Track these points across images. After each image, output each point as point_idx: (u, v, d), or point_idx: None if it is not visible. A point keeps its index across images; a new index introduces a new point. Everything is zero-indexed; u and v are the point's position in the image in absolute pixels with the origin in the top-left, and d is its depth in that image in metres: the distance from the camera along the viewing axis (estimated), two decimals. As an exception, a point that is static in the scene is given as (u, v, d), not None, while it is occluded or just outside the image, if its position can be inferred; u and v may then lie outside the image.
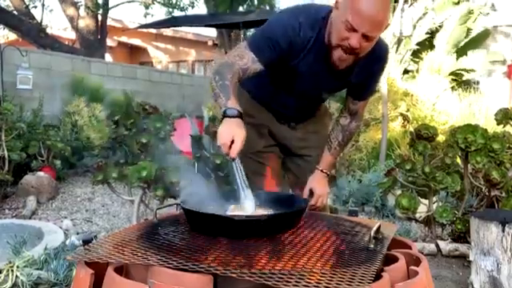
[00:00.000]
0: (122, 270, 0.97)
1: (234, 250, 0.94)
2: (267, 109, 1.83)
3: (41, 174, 4.00)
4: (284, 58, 1.54)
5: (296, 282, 0.79)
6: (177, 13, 10.17)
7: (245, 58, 1.51)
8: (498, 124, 3.04)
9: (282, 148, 1.92)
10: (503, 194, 2.65)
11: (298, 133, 1.88)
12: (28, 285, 1.85)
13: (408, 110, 6.42)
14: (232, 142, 1.26)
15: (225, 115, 1.34)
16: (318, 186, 1.79)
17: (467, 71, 7.27)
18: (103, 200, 4.04)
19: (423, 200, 2.87)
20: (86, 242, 2.09)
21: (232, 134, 1.27)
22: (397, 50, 6.91)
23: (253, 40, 1.56)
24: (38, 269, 1.96)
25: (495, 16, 7.66)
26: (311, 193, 1.78)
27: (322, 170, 1.81)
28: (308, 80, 1.64)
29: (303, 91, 1.71)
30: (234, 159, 1.25)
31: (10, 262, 1.91)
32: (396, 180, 2.93)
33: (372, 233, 1.02)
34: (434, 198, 2.90)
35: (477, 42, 7.53)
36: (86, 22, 9.12)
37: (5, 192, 3.89)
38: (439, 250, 2.75)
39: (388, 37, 6.24)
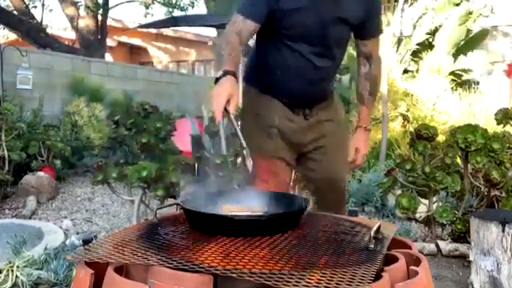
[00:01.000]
0: (121, 270, 0.97)
1: (234, 249, 0.94)
2: (279, 99, 1.75)
3: (41, 173, 4.00)
4: (275, 5, 1.57)
5: (296, 281, 0.79)
6: (177, 13, 10.16)
7: (236, 22, 1.57)
8: (498, 124, 3.04)
9: (293, 151, 1.80)
10: (503, 194, 2.66)
11: (312, 123, 1.78)
12: (28, 285, 1.85)
13: (408, 110, 6.42)
14: (228, 101, 1.33)
15: (217, 79, 1.41)
16: (363, 144, 1.79)
17: (466, 71, 7.27)
18: (103, 200, 4.04)
19: (423, 200, 2.87)
20: (85, 242, 2.09)
21: (226, 93, 1.34)
22: (397, 50, 6.91)
23: (241, 3, 1.63)
24: (38, 269, 1.96)
25: (494, 16, 7.66)
26: (356, 151, 1.78)
27: (363, 127, 1.80)
28: (311, 31, 1.62)
29: (310, 52, 1.66)
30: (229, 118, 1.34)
31: (10, 262, 1.91)
32: (396, 180, 2.93)
33: (372, 233, 1.02)
34: (434, 198, 2.90)
35: (476, 41, 7.52)
36: (85, 22, 9.12)
37: (5, 192, 3.89)
38: (439, 250, 2.75)
39: (388, 37, 6.24)
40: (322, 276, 0.82)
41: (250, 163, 1.30)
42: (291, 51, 1.66)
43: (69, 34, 10.83)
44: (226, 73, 1.41)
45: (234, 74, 1.42)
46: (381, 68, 1.87)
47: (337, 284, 0.80)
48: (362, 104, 1.82)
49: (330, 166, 1.79)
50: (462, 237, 2.78)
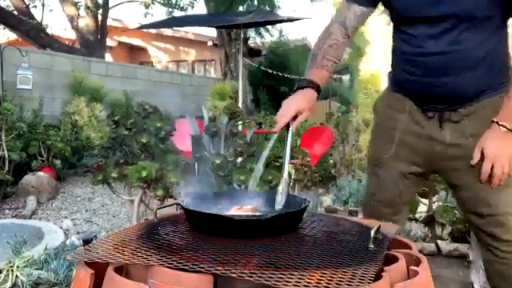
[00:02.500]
0: (121, 270, 0.97)
1: (234, 249, 0.94)
2: (409, 97, 1.44)
3: (41, 174, 4.00)
4: None
5: (296, 282, 0.79)
6: (177, 13, 10.17)
7: (340, 10, 1.41)
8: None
9: (418, 164, 1.48)
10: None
11: (449, 135, 1.39)
12: (28, 285, 1.84)
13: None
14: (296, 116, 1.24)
15: (297, 88, 1.32)
16: (490, 144, 1.31)
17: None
18: (103, 200, 4.05)
19: (423, 200, 2.87)
20: (86, 242, 2.09)
21: (295, 107, 1.24)
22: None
23: None
24: (37, 269, 1.96)
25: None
26: (482, 155, 1.33)
27: (497, 123, 1.31)
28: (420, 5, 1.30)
29: (426, 34, 1.32)
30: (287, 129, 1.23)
31: (10, 262, 1.91)
32: (396, 180, 2.93)
33: (372, 233, 1.02)
34: (434, 198, 2.90)
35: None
36: (85, 22, 9.13)
37: (5, 192, 3.89)
38: (439, 250, 2.75)
39: (388, 37, 6.24)
40: (321, 276, 0.82)
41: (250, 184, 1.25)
42: (406, 36, 1.38)
43: (69, 34, 10.84)
44: (305, 84, 1.28)
45: (315, 86, 1.28)
46: None
47: (337, 284, 0.80)
48: (508, 93, 1.34)
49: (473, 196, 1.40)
50: (462, 237, 2.78)
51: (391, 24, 1.46)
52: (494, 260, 1.43)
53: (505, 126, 1.31)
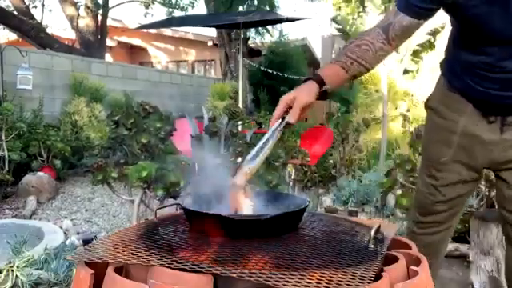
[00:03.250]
0: (121, 270, 0.97)
1: (234, 249, 0.94)
2: (469, 99, 1.38)
3: (41, 174, 4.00)
4: None
5: (296, 282, 0.79)
6: (177, 13, 10.17)
7: (388, 16, 1.29)
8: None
9: (474, 169, 1.44)
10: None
11: (509, 139, 1.34)
12: (28, 285, 1.84)
13: (408, 110, 6.43)
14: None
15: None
16: None
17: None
18: (103, 200, 4.05)
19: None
20: (86, 242, 2.09)
21: (290, 99, 1.17)
22: (397, 50, 6.92)
23: None
24: (38, 269, 1.96)
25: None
26: None
27: None
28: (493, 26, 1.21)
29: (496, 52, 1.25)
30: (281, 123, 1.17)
31: (10, 262, 1.91)
32: (396, 180, 2.93)
33: (372, 233, 1.02)
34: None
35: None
36: (85, 22, 9.13)
37: (5, 192, 3.89)
38: (439, 250, 2.75)
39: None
40: (321, 276, 0.82)
41: (238, 178, 1.14)
42: (479, 51, 1.29)
43: (69, 34, 10.84)
44: (312, 77, 1.23)
45: (319, 81, 1.22)
46: None
47: (337, 284, 0.80)
48: None
49: None
50: (462, 237, 2.78)
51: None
52: None
53: None
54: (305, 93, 1.21)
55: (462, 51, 1.36)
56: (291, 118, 1.17)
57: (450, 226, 1.58)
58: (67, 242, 2.45)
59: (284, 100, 1.20)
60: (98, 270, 0.95)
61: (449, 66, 1.45)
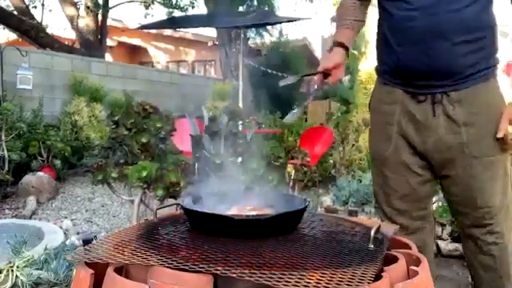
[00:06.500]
0: (121, 270, 0.97)
1: (234, 249, 0.94)
2: (398, 84, 1.42)
3: (41, 174, 4.00)
4: None
5: (296, 282, 0.79)
6: (177, 13, 10.17)
7: None
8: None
9: (420, 157, 1.44)
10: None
11: (442, 124, 1.35)
12: (28, 285, 1.84)
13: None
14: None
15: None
16: None
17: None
18: (103, 200, 4.05)
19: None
20: (86, 242, 2.09)
21: (327, 61, 1.43)
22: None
23: None
24: (38, 269, 1.96)
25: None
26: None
27: None
28: None
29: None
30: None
31: (10, 262, 1.91)
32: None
33: (372, 233, 1.02)
34: (434, 198, 2.90)
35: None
36: (85, 22, 9.13)
37: (5, 192, 3.89)
38: (439, 250, 2.75)
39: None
40: (321, 276, 0.82)
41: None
42: (391, 5, 1.38)
43: (69, 34, 10.84)
44: (334, 44, 1.46)
45: (342, 44, 1.45)
46: None
47: (337, 284, 0.80)
48: None
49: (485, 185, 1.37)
50: (462, 237, 2.78)
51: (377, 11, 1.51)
52: (480, 252, 1.44)
53: None
54: (337, 56, 1.44)
55: (383, 22, 1.45)
56: (332, 80, 1.44)
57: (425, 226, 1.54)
58: (67, 242, 2.45)
59: (322, 67, 1.44)
60: (98, 270, 0.95)
61: (378, 56, 1.54)
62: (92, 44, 9.12)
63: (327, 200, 4.16)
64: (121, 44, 13.56)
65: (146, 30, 11.61)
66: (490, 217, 1.39)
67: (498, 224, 1.40)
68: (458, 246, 2.74)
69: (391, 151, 1.47)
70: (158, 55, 14.15)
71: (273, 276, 0.80)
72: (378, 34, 1.50)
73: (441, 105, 1.35)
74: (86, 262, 0.97)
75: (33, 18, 8.94)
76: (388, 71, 1.46)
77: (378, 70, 1.56)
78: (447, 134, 1.36)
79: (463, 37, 1.29)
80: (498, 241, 1.41)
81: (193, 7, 10.29)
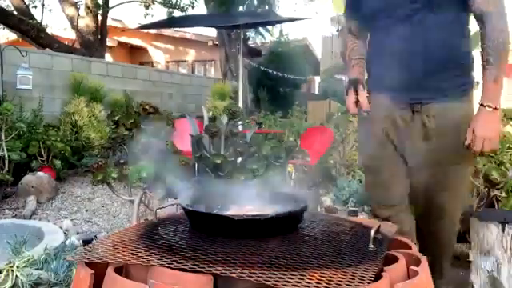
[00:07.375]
0: (121, 270, 0.97)
1: (234, 249, 0.94)
2: (385, 96, 1.58)
3: (41, 174, 4.00)
4: None
5: (296, 282, 0.79)
6: (177, 13, 10.17)
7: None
8: (497, 124, 3.03)
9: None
10: (503, 194, 2.66)
11: (425, 132, 1.54)
12: (28, 285, 1.84)
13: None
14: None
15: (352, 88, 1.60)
16: (478, 125, 1.45)
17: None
18: (103, 200, 4.04)
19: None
20: (86, 242, 2.08)
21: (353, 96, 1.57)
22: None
23: None
24: (38, 269, 1.96)
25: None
26: (473, 134, 1.47)
27: (482, 104, 1.44)
28: None
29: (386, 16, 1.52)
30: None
31: (10, 262, 1.91)
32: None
33: (372, 233, 1.02)
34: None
35: (474, 42, 7.53)
36: (85, 22, 9.13)
37: (5, 192, 3.89)
38: (439, 250, 2.75)
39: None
40: (321, 276, 0.82)
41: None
42: (382, 28, 1.58)
43: (69, 34, 10.83)
44: (350, 82, 1.61)
45: (356, 81, 1.58)
46: (502, 25, 1.45)
47: (337, 284, 0.80)
48: (483, 77, 1.46)
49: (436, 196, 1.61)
50: (462, 237, 2.77)
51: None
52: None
53: (490, 106, 1.44)
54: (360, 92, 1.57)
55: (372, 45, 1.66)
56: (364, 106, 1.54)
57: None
58: (67, 242, 2.44)
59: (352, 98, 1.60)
60: (98, 270, 0.95)
61: (368, 72, 1.72)
62: (92, 44, 9.11)
63: (327, 200, 4.16)
64: (121, 44, 13.56)
65: (145, 30, 11.61)
66: (438, 216, 1.67)
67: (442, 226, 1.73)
68: (458, 245, 2.73)
69: (376, 149, 1.62)
70: (158, 55, 14.15)
71: (273, 276, 0.80)
72: (369, 52, 1.72)
73: (419, 114, 1.53)
74: (86, 262, 0.97)
75: (33, 17, 8.93)
76: (373, 85, 1.66)
77: (368, 82, 1.73)
78: (421, 140, 1.54)
79: (440, 55, 1.49)
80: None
81: (193, 7, 10.28)
